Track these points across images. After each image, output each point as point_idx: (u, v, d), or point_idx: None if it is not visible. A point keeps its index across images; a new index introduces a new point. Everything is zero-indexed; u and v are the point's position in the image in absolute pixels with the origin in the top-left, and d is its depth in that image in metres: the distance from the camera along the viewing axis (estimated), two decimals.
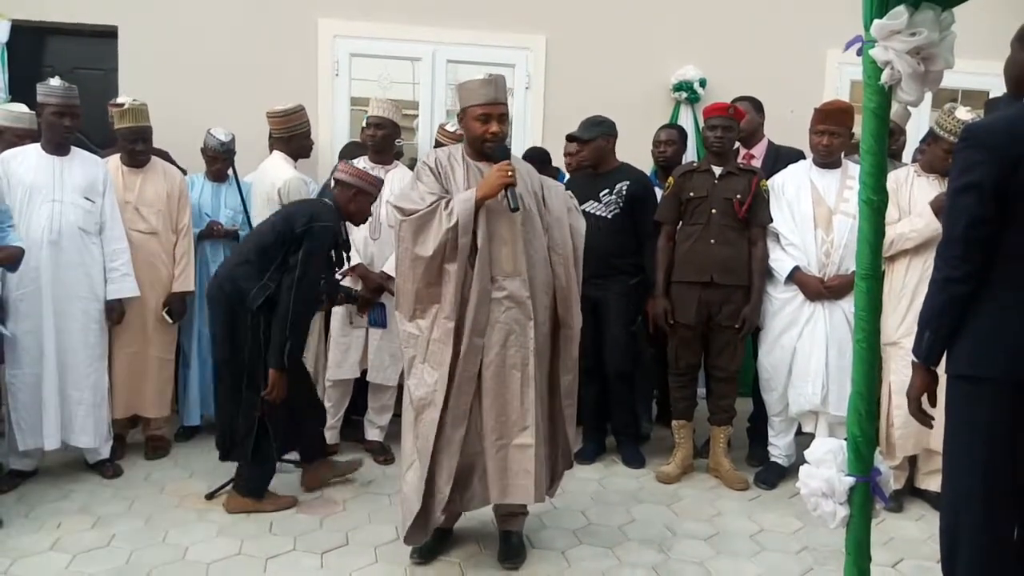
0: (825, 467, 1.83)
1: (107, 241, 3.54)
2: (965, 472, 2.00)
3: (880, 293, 1.78)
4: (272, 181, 3.85)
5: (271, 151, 4.42)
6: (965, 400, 1.99)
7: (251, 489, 3.24)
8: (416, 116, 5.30)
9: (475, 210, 2.63)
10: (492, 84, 2.70)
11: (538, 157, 4.23)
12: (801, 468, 1.92)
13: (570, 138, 3.99)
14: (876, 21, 1.63)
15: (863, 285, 1.75)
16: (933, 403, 2.14)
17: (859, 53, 1.71)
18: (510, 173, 2.60)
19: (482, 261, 2.65)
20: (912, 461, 3.55)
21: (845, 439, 1.89)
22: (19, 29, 4.72)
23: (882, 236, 1.75)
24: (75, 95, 3.44)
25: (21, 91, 4.46)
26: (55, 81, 3.41)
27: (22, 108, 3.79)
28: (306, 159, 4.25)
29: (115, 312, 3.55)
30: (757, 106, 4.28)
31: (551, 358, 2.83)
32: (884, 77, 1.65)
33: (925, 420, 2.15)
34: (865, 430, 1.79)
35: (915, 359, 2.10)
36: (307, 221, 3.10)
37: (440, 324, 2.66)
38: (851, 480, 1.81)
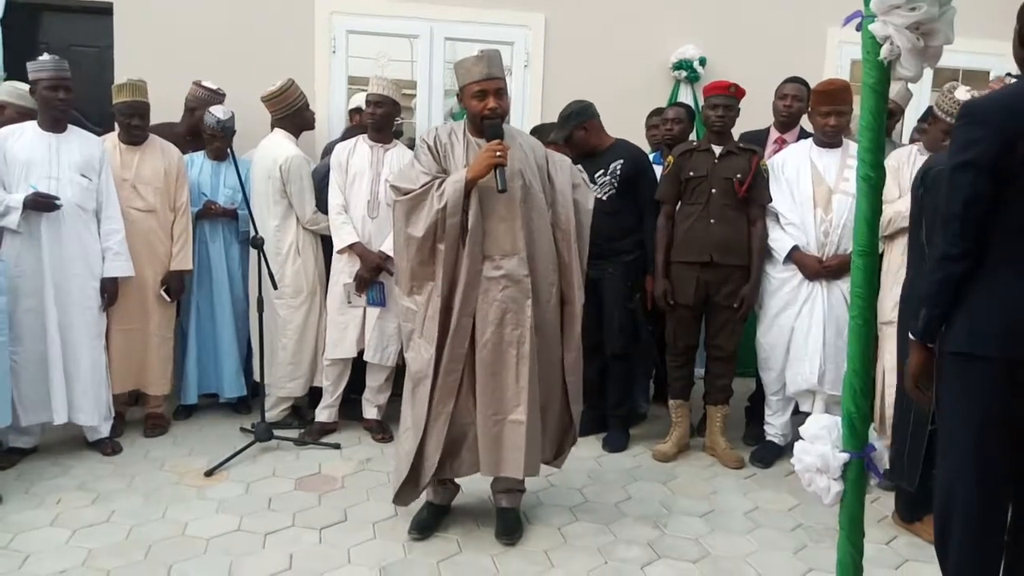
0: (820, 443, 1.84)
1: (103, 220, 3.53)
2: (958, 450, 2.00)
3: (876, 270, 1.78)
4: (274, 158, 3.83)
5: (272, 128, 4.40)
6: (959, 378, 2.00)
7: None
8: (414, 95, 5.27)
9: (465, 190, 2.64)
10: (485, 60, 2.69)
11: (541, 134, 4.20)
12: (796, 444, 1.93)
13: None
14: None
15: (860, 262, 1.75)
16: (930, 381, 2.14)
17: (858, 28, 1.70)
18: (499, 152, 2.60)
19: (473, 241, 2.66)
20: None
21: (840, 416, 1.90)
22: (14, 6, 4.68)
23: (879, 214, 1.75)
24: (66, 68, 3.42)
25: (16, 69, 4.42)
26: (45, 56, 3.39)
27: (25, 87, 3.77)
28: (311, 131, 4.22)
29: (109, 291, 3.54)
30: (808, 90, 4.14)
31: (560, 335, 2.85)
32: (883, 52, 1.64)
33: (922, 398, 2.16)
34: (860, 406, 1.80)
35: (912, 336, 2.11)
36: None
37: (434, 301, 2.71)
38: (845, 456, 1.82)
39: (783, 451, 3.75)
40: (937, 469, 2.16)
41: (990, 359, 1.92)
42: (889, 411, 3.40)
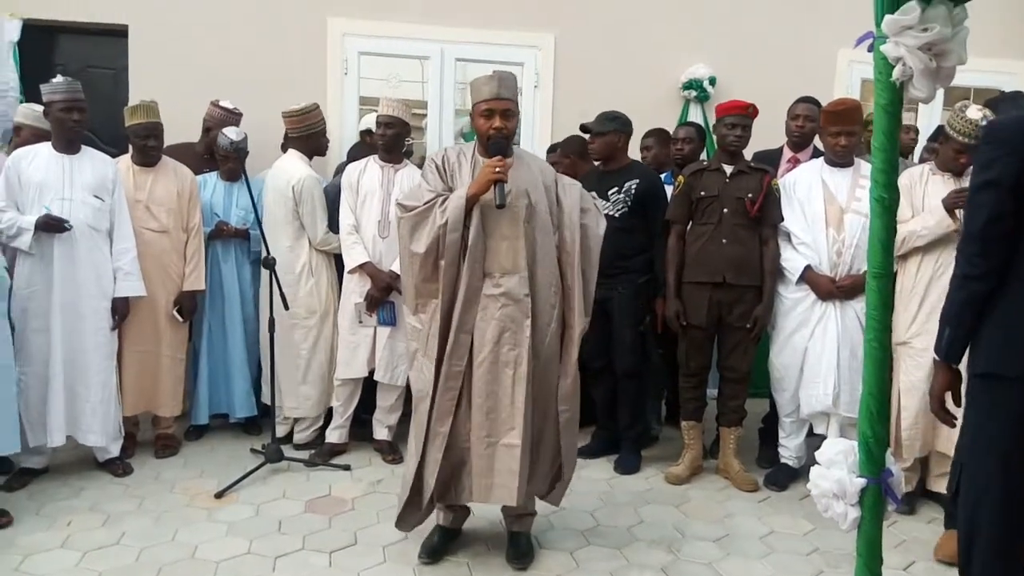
0: (836, 468, 1.81)
1: (115, 240, 3.55)
2: (984, 472, 1.97)
3: (892, 292, 1.76)
4: (287, 179, 3.85)
5: (284, 150, 4.43)
6: (986, 399, 1.97)
7: None
8: (425, 115, 5.30)
9: (466, 207, 2.64)
10: (496, 80, 2.71)
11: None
12: (812, 469, 1.90)
13: (584, 128, 3.96)
14: (887, 16, 1.61)
15: (875, 284, 1.73)
16: (957, 402, 2.12)
17: (870, 49, 1.69)
18: (498, 169, 2.60)
19: (473, 258, 2.66)
20: (923, 463, 3.52)
21: (856, 440, 1.87)
22: (30, 28, 4.74)
23: (894, 234, 1.73)
24: (79, 89, 3.45)
25: (33, 90, 4.46)
26: (58, 78, 3.42)
27: (39, 108, 3.80)
28: (322, 157, 4.25)
29: (120, 311, 3.55)
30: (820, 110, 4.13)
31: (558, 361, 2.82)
32: (896, 73, 1.63)
33: (948, 419, 2.13)
34: (876, 431, 1.77)
35: (936, 357, 2.08)
36: None
37: (438, 319, 2.70)
38: (862, 481, 1.78)
39: (798, 473, 3.71)
40: (962, 489, 2.12)
41: (1017, 379, 1.89)
42: (905, 433, 3.37)
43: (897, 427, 3.40)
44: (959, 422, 2.12)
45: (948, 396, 2.12)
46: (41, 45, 4.90)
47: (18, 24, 4.68)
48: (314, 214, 3.87)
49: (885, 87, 1.66)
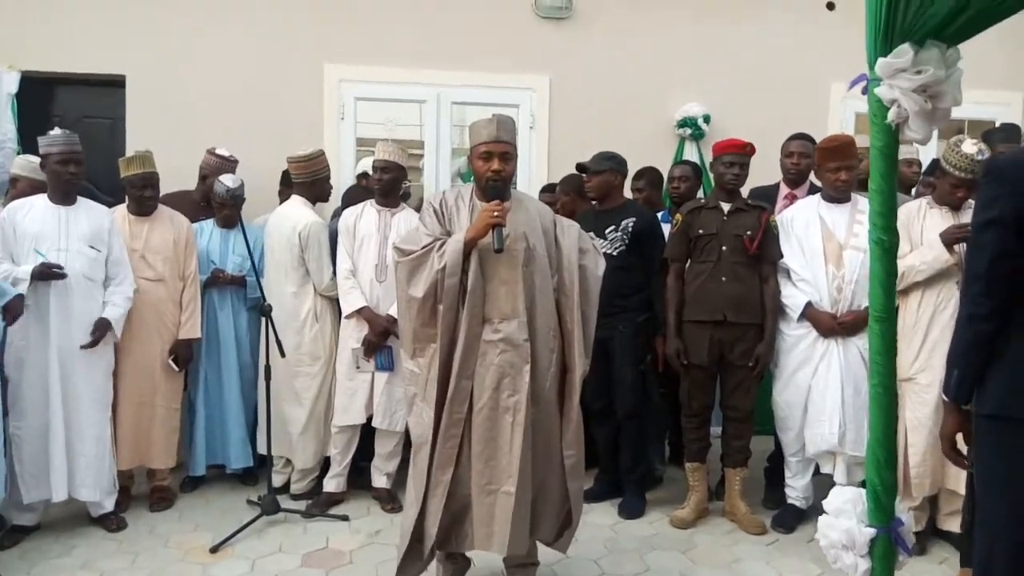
0: (844, 517, 1.76)
1: (116, 282, 3.53)
2: (997, 517, 1.91)
3: (894, 335, 1.73)
4: (293, 225, 3.82)
5: (281, 196, 4.43)
6: (996, 441, 1.92)
7: None
8: (422, 155, 5.32)
9: (465, 251, 2.62)
10: (495, 123, 2.71)
11: (550, 192, 4.23)
12: (820, 519, 1.85)
13: (580, 168, 3.96)
14: (880, 59, 1.60)
15: (877, 327, 1.70)
16: (968, 442, 2.07)
17: (864, 91, 1.68)
18: (496, 213, 2.58)
19: (472, 303, 2.63)
20: (933, 501, 3.45)
21: (863, 485, 1.82)
22: (28, 80, 4.79)
23: (894, 277, 1.71)
24: (76, 142, 3.45)
25: (30, 141, 4.49)
26: (55, 131, 3.42)
27: (35, 160, 3.80)
28: (325, 203, 4.24)
29: (99, 330, 3.43)
30: (814, 146, 4.09)
31: (560, 404, 2.78)
32: (891, 116, 1.62)
33: (960, 461, 2.09)
34: (884, 478, 1.73)
35: (945, 398, 2.04)
36: None
37: (436, 364, 2.66)
38: (872, 531, 1.74)
39: (805, 514, 3.63)
40: (976, 532, 2.06)
41: None
42: (914, 471, 3.31)
43: (905, 465, 3.34)
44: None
45: (959, 437, 2.08)
46: (39, 96, 4.93)
47: (16, 76, 4.72)
48: (320, 260, 3.84)
49: (881, 129, 1.65)
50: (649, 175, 4.42)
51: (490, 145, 2.69)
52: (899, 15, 1.61)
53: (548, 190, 4.43)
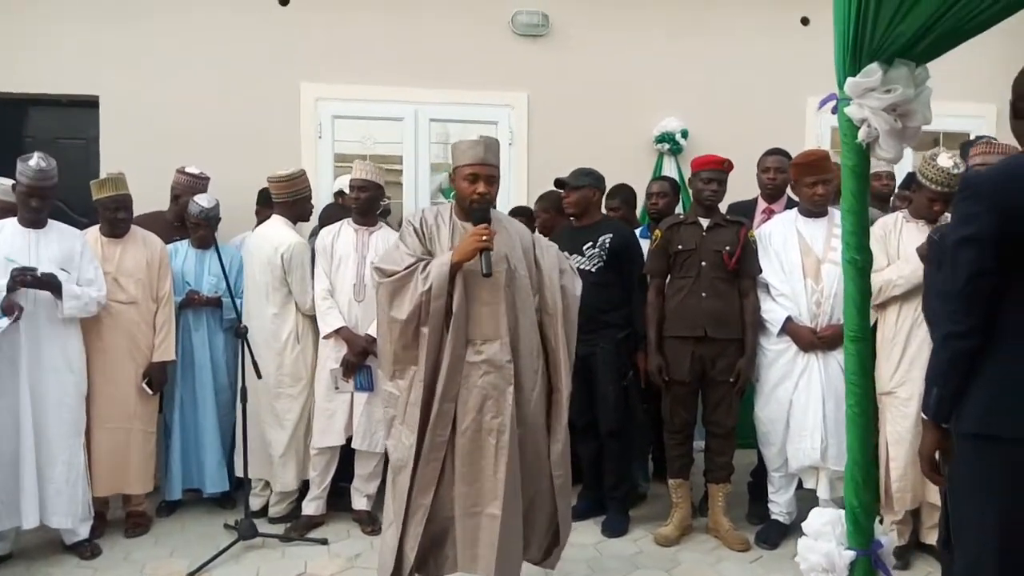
0: (824, 540, 1.75)
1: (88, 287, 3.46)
2: (975, 538, 1.89)
3: (871, 356, 1.72)
4: (275, 246, 3.77)
5: (258, 216, 4.39)
6: (974, 460, 1.90)
7: None
8: (401, 170, 5.29)
9: (451, 274, 2.59)
10: (482, 145, 2.69)
11: (523, 215, 4.19)
12: (800, 541, 1.83)
13: (558, 183, 3.95)
14: (849, 79, 1.60)
15: (852, 348, 1.69)
16: (948, 461, 2.05)
17: (834, 111, 1.68)
18: (484, 237, 2.57)
19: (457, 325, 2.60)
20: (915, 514, 3.44)
21: (843, 508, 1.80)
22: (1, 101, 4.73)
23: (869, 297, 1.70)
24: (47, 176, 3.35)
25: (4, 162, 4.42)
26: (32, 160, 3.31)
27: (9, 183, 3.74)
28: (305, 222, 4.20)
29: (42, 280, 3.26)
30: (789, 160, 4.08)
31: (546, 424, 2.75)
32: (861, 135, 1.62)
33: (939, 480, 2.07)
34: (863, 500, 1.71)
35: (924, 416, 2.03)
36: None
37: (417, 387, 2.63)
38: (851, 554, 1.72)
39: (789, 530, 3.62)
40: (957, 554, 2.04)
41: (1006, 440, 1.83)
42: (895, 486, 3.30)
43: (887, 479, 3.34)
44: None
45: (938, 456, 2.06)
46: (12, 117, 4.88)
47: None
48: (304, 281, 3.80)
49: (851, 149, 1.65)
50: (623, 193, 4.38)
51: (476, 168, 2.67)
52: (867, 34, 1.61)
53: (521, 212, 4.37)
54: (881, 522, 3.19)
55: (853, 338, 1.69)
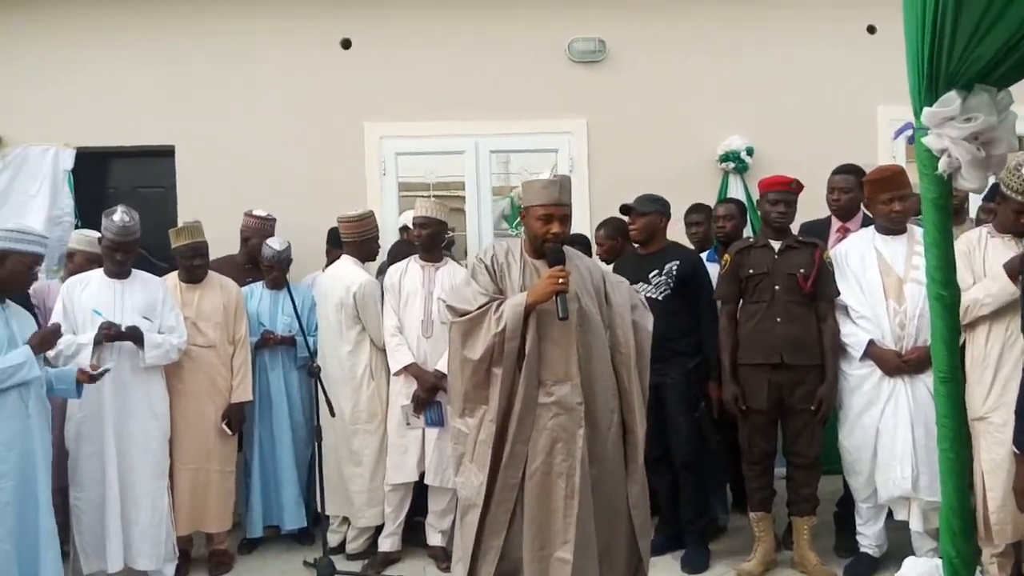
0: None
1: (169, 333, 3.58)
2: None
3: (962, 396, 1.62)
4: (347, 285, 3.84)
5: (328, 256, 4.48)
6: None
7: None
8: (464, 198, 5.32)
9: (525, 315, 2.58)
10: (557, 185, 2.69)
11: (580, 244, 4.16)
12: None
13: (624, 209, 3.90)
14: (926, 109, 1.52)
15: (943, 389, 1.59)
16: None
17: (911, 141, 1.60)
18: (561, 280, 2.54)
19: (530, 366, 2.59)
20: (1017, 546, 3.24)
21: (938, 553, 1.70)
22: (82, 155, 4.98)
23: (958, 333, 1.61)
24: (130, 232, 3.49)
25: (89, 212, 4.68)
26: (116, 216, 3.46)
27: (94, 235, 3.91)
28: (372, 262, 4.28)
29: (112, 333, 3.38)
30: (859, 179, 3.90)
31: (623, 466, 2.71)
32: (942, 166, 1.53)
33: None
34: (961, 550, 1.61)
35: (1016, 450, 1.91)
36: None
37: (486, 425, 2.62)
38: None
39: (879, 563, 3.46)
40: None
41: None
42: (994, 517, 3.11)
43: (984, 510, 3.15)
44: None
45: None
46: (94, 170, 5.12)
47: (72, 153, 4.92)
48: (377, 316, 3.85)
49: (932, 180, 1.56)
50: (704, 209, 4.38)
51: (551, 208, 2.66)
52: (943, 59, 1.52)
53: (578, 241, 4.31)
54: (980, 556, 3.04)
55: (943, 379, 1.59)
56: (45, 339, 3.03)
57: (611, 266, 3.86)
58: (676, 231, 4.18)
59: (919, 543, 3.33)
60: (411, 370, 3.72)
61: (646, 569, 2.77)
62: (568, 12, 5.17)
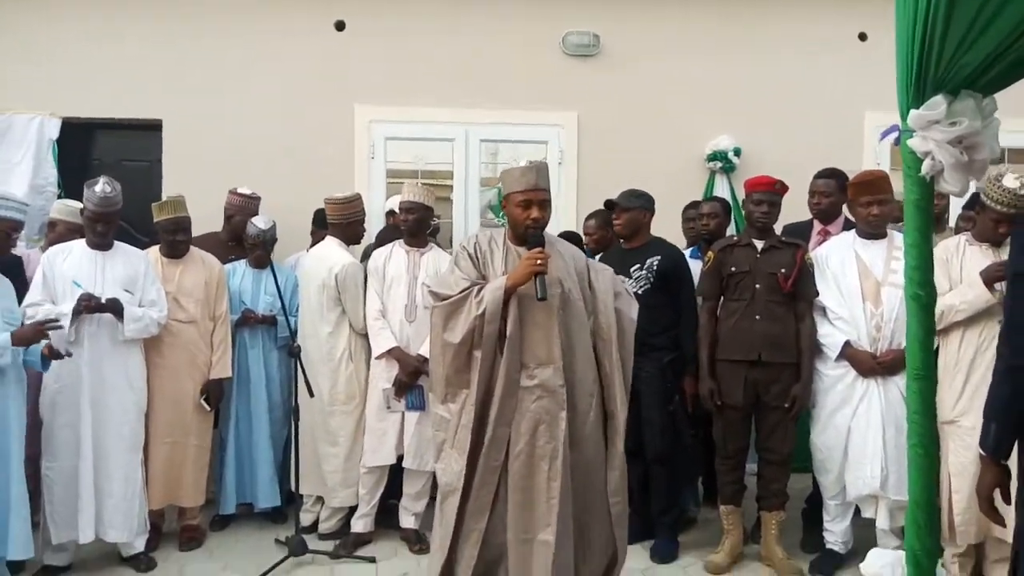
0: None
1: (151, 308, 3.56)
2: None
3: (934, 394, 1.66)
4: (329, 267, 3.83)
5: (313, 237, 4.47)
6: None
7: None
8: (452, 187, 5.33)
9: (505, 298, 2.60)
10: (534, 170, 2.71)
11: (571, 240, 4.17)
12: None
13: (609, 204, 3.93)
14: (913, 112, 1.56)
15: (915, 386, 1.63)
16: (1007, 499, 1.97)
17: (897, 142, 1.64)
18: (539, 261, 2.57)
19: (511, 349, 2.60)
20: (978, 547, 3.31)
21: (903, 548, 1.74)
22: (68, 125, 4.92)
23: (933, 334, 1.65)
24: (112, 202, 3.45)
25: (72, 183, 4.62)
26: (98, 186, 3.42)
27: (77, 205, 3.87)
28: (356, 244, 4.27)
29: (92, 303, 3.35)
30: (841, 183, 3.97)
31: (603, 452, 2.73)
32: (925, 168, 1.57)
33: (998, 519, 1.99)
34: (925, 543, 1.65)
35: (982, 452, 1.96)
36: None
37: (468, 410, 2.64)
38: None
39: (844, 560, 3.52)
40: None
41: None
42: (958, 519, 3.18)
43: (949, 512, 3.21)
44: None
45: (997, 494, 1.99)
46: (79, 141, 5.07)
47: (57, 123, 4.86)
48: (358, 300, 3.85)
49: (915, 182, 1.60)
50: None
51: (529, 194, 2.69)
52: (931, 64, 1.56)
53: (569, 237, 4.35)
54: (942, 555, 3.11)
55: (916, 376, 1.63)
56: (29, 336, 3.03)
57: (598, 258, 3.88)
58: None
59: (884, 541, 3.40)
60: (394, 353, 3.73)
61: (620, 557, 2.79)
62: (564, 5, 5.19)
